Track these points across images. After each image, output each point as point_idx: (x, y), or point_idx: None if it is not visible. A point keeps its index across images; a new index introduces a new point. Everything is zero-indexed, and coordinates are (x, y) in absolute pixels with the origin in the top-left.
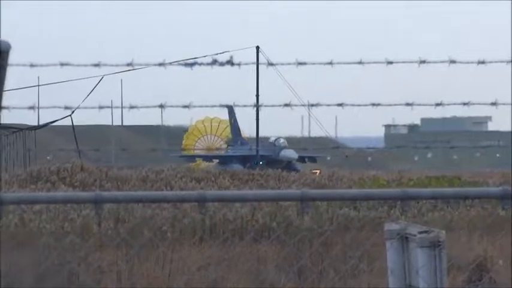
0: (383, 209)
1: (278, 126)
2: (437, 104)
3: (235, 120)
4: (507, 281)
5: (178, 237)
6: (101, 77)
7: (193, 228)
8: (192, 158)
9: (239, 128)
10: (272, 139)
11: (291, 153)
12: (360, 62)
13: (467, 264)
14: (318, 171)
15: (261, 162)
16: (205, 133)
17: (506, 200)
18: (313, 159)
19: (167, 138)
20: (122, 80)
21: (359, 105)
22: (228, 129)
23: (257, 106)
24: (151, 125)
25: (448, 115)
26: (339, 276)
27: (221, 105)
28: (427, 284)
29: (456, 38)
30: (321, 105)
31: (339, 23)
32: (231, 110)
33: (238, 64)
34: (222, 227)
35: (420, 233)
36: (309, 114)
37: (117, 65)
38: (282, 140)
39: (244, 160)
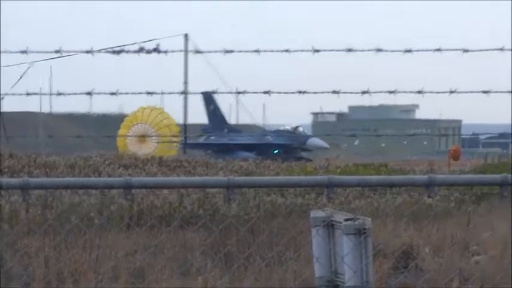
0: (310, 196)
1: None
2: (364, 92)
3: (217, 107)
4: (433, 268)
5: (105, 223)
6: (29, 63)
7: (120, 214)
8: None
9: (223, 115)
10: (286, 127)
11: (320, 142)
12: (287, 50)
13: (394, 251)
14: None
15: (275, 151)
16: (140, 121)
17: (432, 187)
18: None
19: (96, 125)
20: (51, 67)
21: (286, 92)
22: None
23: (185, 93)
24: (80, 112)
25: (376, 103)
26: (265, 263)
27: (148, 93)
28: (352, 271)
29: (382, 27)
30: (248, 92)
31: (266, 12)
32: (208, 96)
33: (165, 52)
34: (149, 213)
35: (346, 220)
36: (237, 102)
37: (45, 52)
38: (301, 128)
39: (252, 149)
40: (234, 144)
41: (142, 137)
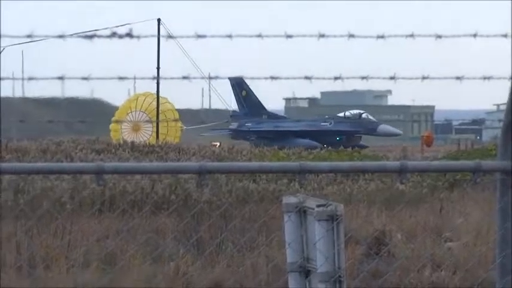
0: (282, 182)
1: (178, 98)
2: (336, 78)
3: (251, 92)
4: (405, 254)
5: (77, 208)
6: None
7: (92, 200)
8: (240, 133)
9: (259, 101)
10: (346, 114)
11: (392, 129)
12: (260, 36)
13: (366, 237)
14: (218, 144)
15: (338, 138)
16: (135, 108)
17: (404, 174)
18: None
19: (68, 110)
20: (22, 51)
21: (258, 78)
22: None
23: (158, 78)
24: (52, 97)
25: (349, 89)
26: (237, 248)
27: (119, 78)
28: (324, 257)
29: (356, 12)
30: (220, 78)
31: None
32: (238, 81)
33: (138, 37)
34: (121, 199)
35: (318, 206)
36: (209, 87)
37: (17, 37)
38: (364, 114)
39: (309, 136)
40: (288, 131)
41: (136, 125)
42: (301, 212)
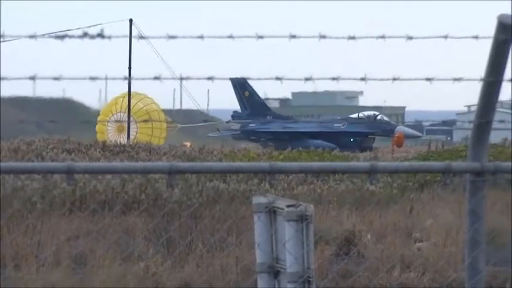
0: (253, 182)
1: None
2: (307, 79)
3: (255, 93)
4: (374, 254)
5: (47, 208)
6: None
7: (62, 199)
8: (240, 134)
9: (264, 101)
10: (360, 115)
11: (411, 130)
12: (231, 37)
13: (336, 238)
14: (189, 144)
15: (352, 140)
16: (120, 108)
17: (374, 174)
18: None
19: (40, 110)
20: None
21: (230, 78)
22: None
23: (129, 79)
24: (23, 96)
25: (320, 89)
26: (207, 248)
27: (91, 78)
28: (293, 257)
29: (327, 14)
30: (191, 78)
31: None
32: (240, 82)
33: (109, 37)
34: (92, 198)
35: (288, 206)
36: (181, 87)
37: None
38: (379, 116)
39: (322, 137)
40: (300, 132)
41: (120, 125)
42: (271, 212)
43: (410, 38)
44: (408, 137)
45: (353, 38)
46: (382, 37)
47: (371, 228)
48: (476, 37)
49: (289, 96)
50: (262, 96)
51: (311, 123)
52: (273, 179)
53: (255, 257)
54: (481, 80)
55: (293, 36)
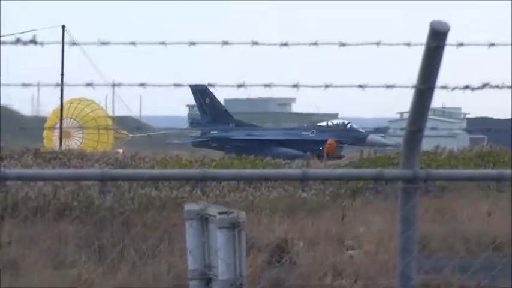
0: (185, 189)
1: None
2: (240, 85)
3: (216, 100)
4: (307, 262)
5: None
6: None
7: None
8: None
9: (225, 109)
10: (333, 122)
11: (380, 139)
12: (163, 43)
13: (268, 245)
14: (121, 151)
15: (321, 148)
16: (66, 114)
17: (306, 181)
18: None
19: None
20: None
21: (161, 85)
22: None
23: (61, 85)
24: None
25: (253, 96)
26: (139, 255)
27: (23, 84)
28: (225, 264)
29: (259, 20)
30: (123, 85)
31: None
32: (200, 89)
33: (42, 43)
34: (24, 205)
35: (220, 213)
36: (113, 94)
37: None
38: (349, 124)
39: (290, 145)
40: (267, 140)
41: (67, 132)
42: (203, 219)
43: (343, 44)
44: (378, 145)
45: (285, 44)
46: (315, 44)
47: (303, 236)
48: (408, 44)
49: (222, 103)
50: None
51: (276, 130)
52: (205, 186)
53: (187, 264)
54: (413, 87)
55: (225, 43)
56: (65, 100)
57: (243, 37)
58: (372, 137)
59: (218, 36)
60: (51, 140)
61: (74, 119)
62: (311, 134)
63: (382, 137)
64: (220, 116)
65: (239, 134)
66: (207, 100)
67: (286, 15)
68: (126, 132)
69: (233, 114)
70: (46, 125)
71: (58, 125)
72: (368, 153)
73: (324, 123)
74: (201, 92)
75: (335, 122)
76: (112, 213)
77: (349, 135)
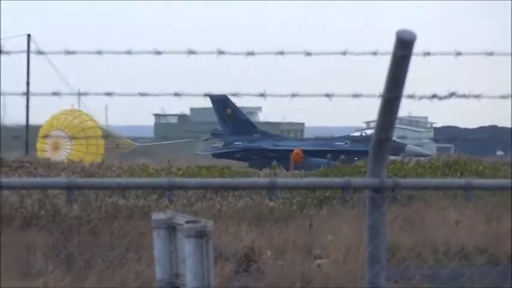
0: (152, 198)
1: (48, 114)
2: (206, 94)
3: (238, 110)
4: (274, 271)
5: None
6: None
7: None
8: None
9: (248, 119)
10: (367, 132)
11: (420, 149)
12: (129, 52)
13: (235, 254)
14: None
15: (355, 158)
16: (56, 126)
17: (273, 190)
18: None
19: None
20: None
21: (127, 94)
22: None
23: (27, 94)
24: None
25: None
26: (107, 264)
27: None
28: (193, 274)
29: (225, 29)
30: (90, 94)
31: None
32: (221, 99)
33: (7, 52)
34: None
35: (187, 222)
36: (79, 103)
37: None
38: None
39: (322, 156)
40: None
41: (56, 144)
42: (171, 228)
43: (309, 54)
44: (418, 155)
45: (252, 53)
46: (281, 53)
47: (271, 245)
48: (375, 53)
49: (188, 112)
50: (159, 111)
51: (306, 141)
52: (172, 195)
53: (154, 273)
54: (380, 96)
55: (192, 52)
56: (58, 111)
57: (209, 46)
58: (411, 147)
59: (184, 46)
60: (43, 150)
61: (63, 130)
62: (345, 144)
63: (419, 146)
64: (242, 126)
65: (266, 145)
66: (228, 110)
67: (251, 24)
68: (131, 141)
69: (199, 123)
70: (39, 135)
71: (50, 134)
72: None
73: (358, 133)
74: (221, 102)
75: (368, 132)
76: (79, 222)
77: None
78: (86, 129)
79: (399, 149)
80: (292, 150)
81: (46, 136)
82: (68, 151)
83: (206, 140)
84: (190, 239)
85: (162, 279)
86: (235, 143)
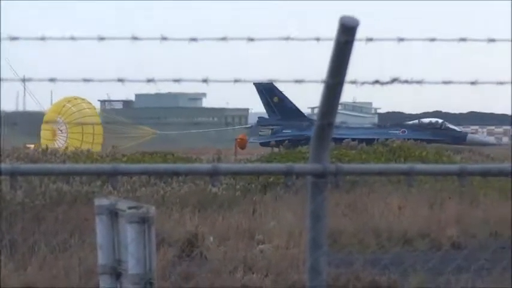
0: (96, 184)
1: None
2: (149, 80)
3: (285, 98)
4: (217, 256)
5: None
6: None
7: None
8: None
9: (296, 107)
10: (424, 120)
11: (483, 138)
12: (73, 38)
13: (178, 239)
14: (33, 145)
15: None
16: (58, 114)
17: (216, 176)
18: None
19: None
20: None
21: (71, 80)
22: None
23: None
24: None
25: (163, 91)
26: (50, 250)
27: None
28: (135, 259)
29: (168, 15)
30: (33, 80)
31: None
32: (267, 87)
33: None
34: None
35: (130, 208)
36: (24, 89)
37: None
38: (441, 120)
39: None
40: (353, 139)
41: (53, 131)
42: (113, 214)
43: (252, 39)
44: (480, 145)
45: (195, 39)
46: (224, 39)
47: (214, 230)
48: (318, 39)
49: (133, 98)
50: (104, 97)
51: (360, 129)
52: (115, 181)
53: (97, 259)
54: (322, 81)
55: (135, 38)
56: (60, 98)
57: (153, 33)
58: (472, 136)
59: (127, 32)
60: (47, 139)
61: (62, 118)
62: (401, 133)
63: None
64: (290, 114)
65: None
66: (275, 99)
67: (195, 10)
68: (149, 128)
69: (144, 109)
70: (43, 123)
71: (54, 122)
72: (279, 148)
73: (415, 121)
74: (267, 90)
75: (426, 120)
76: (23, 208)
77: (447, 135)
78: (84, 117)
79: (461, 138)
80: (343, 139)
81: (47, 123)
82: (64, 140)
83: (250, 127)
84: (132, 225)
85: (104, 264)
86: (284, 131)
